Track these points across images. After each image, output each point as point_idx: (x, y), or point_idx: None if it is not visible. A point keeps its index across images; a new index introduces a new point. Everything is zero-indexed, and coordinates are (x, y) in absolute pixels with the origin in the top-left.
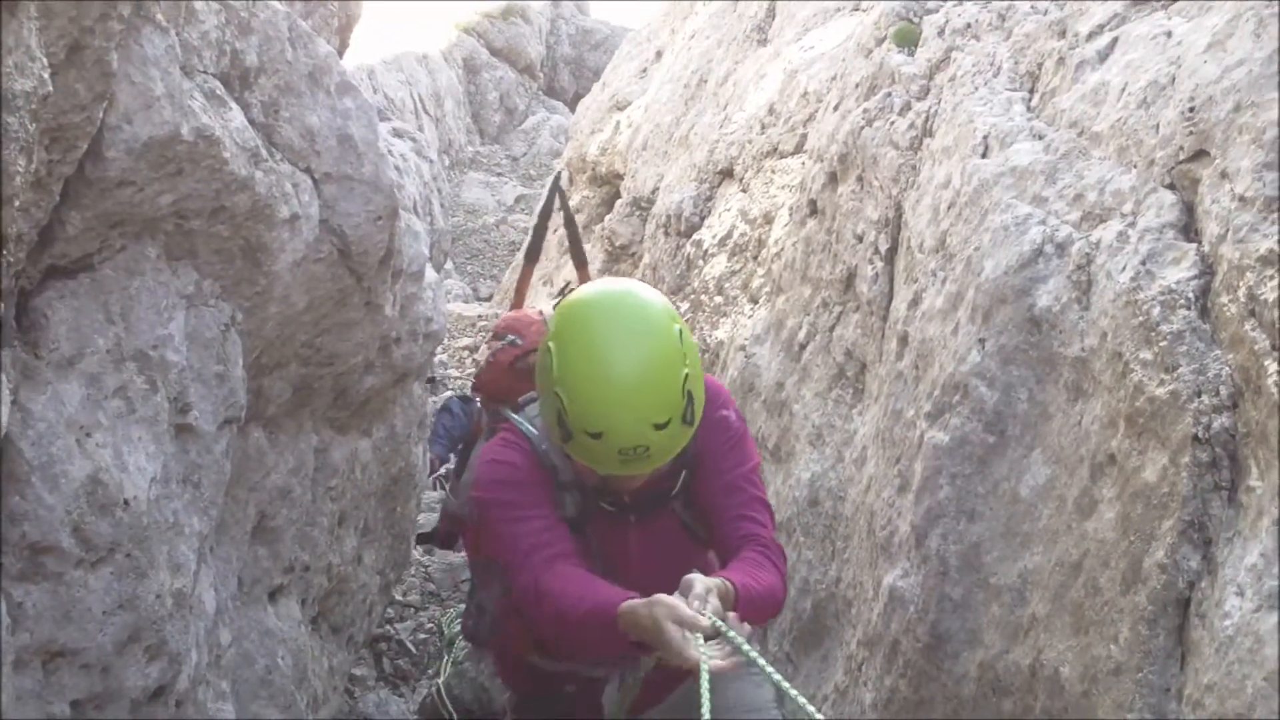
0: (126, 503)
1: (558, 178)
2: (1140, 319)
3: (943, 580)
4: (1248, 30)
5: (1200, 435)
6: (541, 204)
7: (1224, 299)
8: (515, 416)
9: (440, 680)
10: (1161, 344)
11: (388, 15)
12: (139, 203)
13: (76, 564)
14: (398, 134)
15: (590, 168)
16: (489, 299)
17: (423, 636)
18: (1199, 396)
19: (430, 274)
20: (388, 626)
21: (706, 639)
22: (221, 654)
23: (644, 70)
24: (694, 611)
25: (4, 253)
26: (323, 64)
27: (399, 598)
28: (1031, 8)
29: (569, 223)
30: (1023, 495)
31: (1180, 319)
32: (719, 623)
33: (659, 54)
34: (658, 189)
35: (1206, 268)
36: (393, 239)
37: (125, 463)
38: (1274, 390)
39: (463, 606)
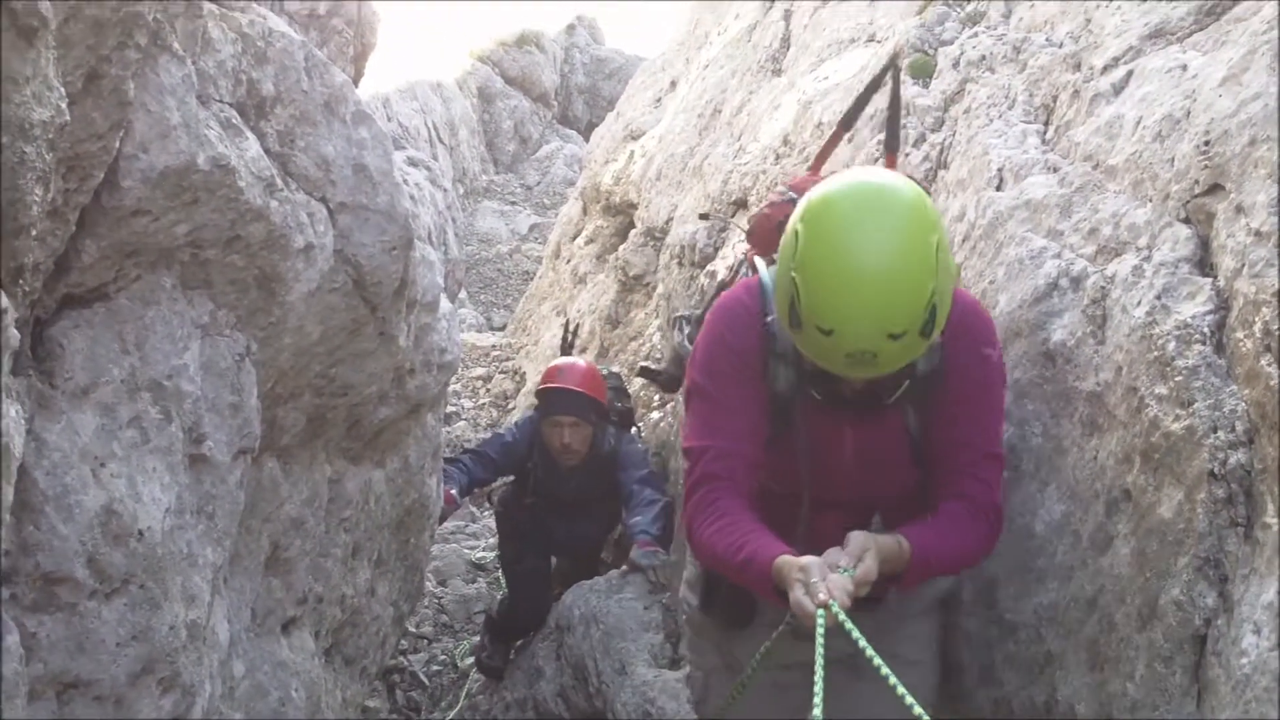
0: (141, 533)
1: (896, 55)
2: (1155, 354)
3: (957, 616)
4: (1263, 64)
5: (1216, 471)
6: (873, 77)
7: (1240, 334)
8: (764, 269)
9: (453, 715)
10: (1177, 379)
11: (403, 43)
12: (154, 232)
13: (90, 595)
14: (412, 163)
15: (604, 197)
16: (503, 328)
17: (436, 668)
18: (1215, 432)
19: (444, 304)
20: (401, 658)
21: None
22: (235, 686)
23: (658, 100)
24: (829, 582)
25: (20, 282)
26: (338, 93)
27: (412, 629)
28: (1046, 40)
29: (894, 104)
30: (1037, 531)
31: (1196, 354)
32: (835, 607)
33: (673, 84)
34: (671, 219)
35: (1222, 302)
36: (407, 269)
37: (139, 493)
38: None
39: (475, 639)
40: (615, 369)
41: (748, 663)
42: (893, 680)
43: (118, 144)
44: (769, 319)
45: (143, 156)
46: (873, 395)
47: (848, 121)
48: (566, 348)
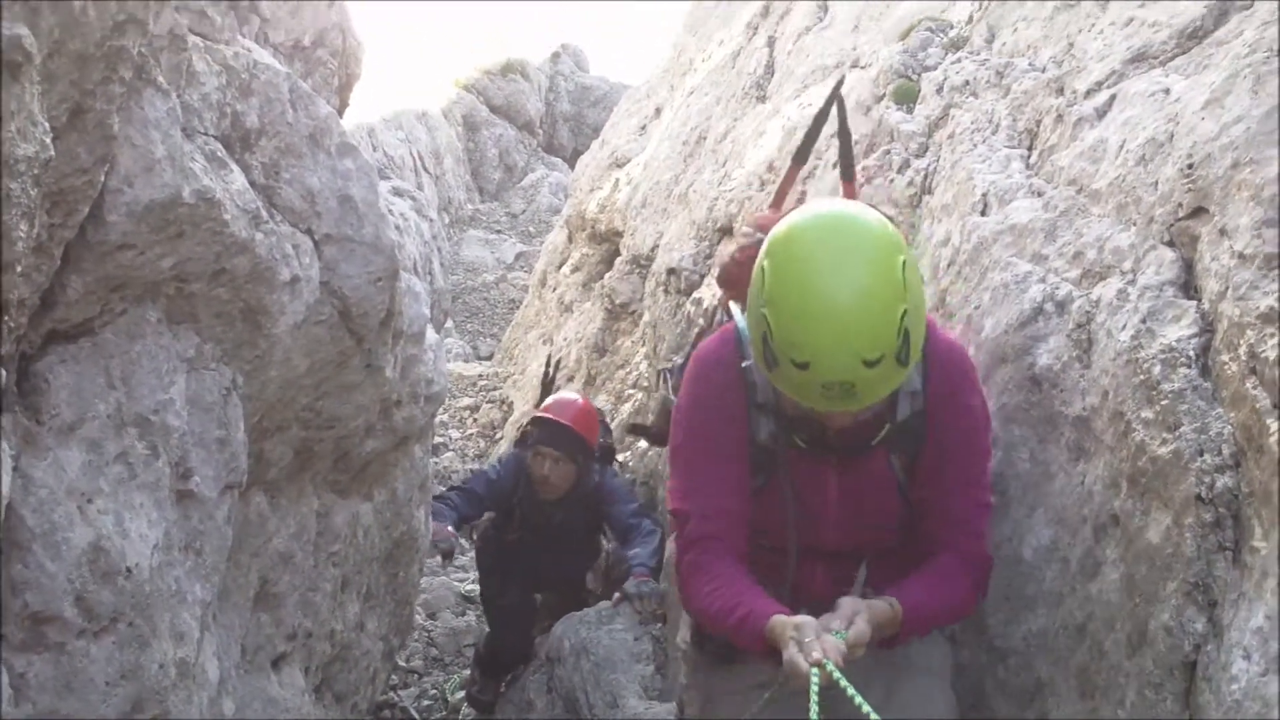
0: (129, 570)
1: (840, 84)
2: (1141, 377)
3: (947, 644)
4: (1245, 87)
5: (1203, 495)
6: (820, 107)
7: (1225, 357)
8: (738, 314)
9: None
10: (1163, 402)
11: (388, 73)
12: (140, 266)
13: (79, 634)
14: (398, 193)
15: (589, 225)
16: (489, 358)
17: (426, 703)
18: (1201, 455)
19: (431, 335)
20: (391, 693)
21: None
22: None
23: (643, 127)
24: (822, 641)
25: (6, 318)
26: (323, 125)
27: (402, 663)
28: (1029, 64)
29: (843, 133)
30: (1025, 557)
31: (1181, 377)
32: (829, 665)
33: (658, 111)
34: (657, 246)
35: (1207, 325)
36: (393, 300)
37: (127, 530)
38: (1276, 449)
39: (466, 673)
40: (596, 405)
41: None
42: None
43: (102, 178)
44: (746, 364)
45: (128, 190)
46: (856, 439)
47: (801, 155)
48: (548, 383)
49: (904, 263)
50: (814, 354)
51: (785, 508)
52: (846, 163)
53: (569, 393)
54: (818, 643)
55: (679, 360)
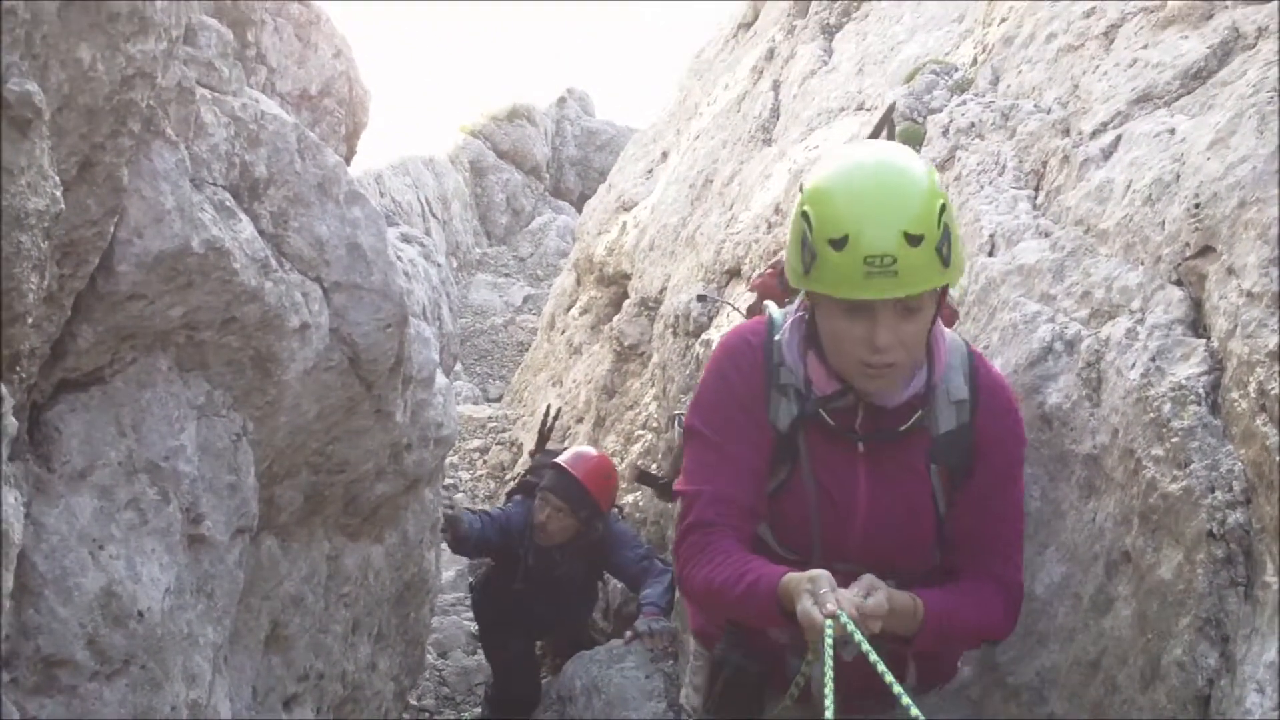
0: (140, 614)
1: (892, 108)
2: (1151, 415)
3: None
4: (1250, 127)
5: (1215, 531)
6: (870, 131)
7: (1234, 394)
8: (773, 307)
9: None
10: (1173, 440)
11: (395, 120)
12: (150, 315)
13: (91, 676)
14: (406, 239)
15: (598, 268)
16: (498, 399)
17: None
18: (1212, 492)
19: (440, 379)
20: None
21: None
22: None
23: (650, 171)
24: (838, 594)
25: (18, 369)
26: (331, 174)
27: (414, 702)
28: (1034, 106)
29: None
30: (1038, 593)
31: (1191, 415)
32: (843, 617)
33: (665, 155)
34: (665, 289)
35: (1216, 363)
36: (402, 346)
37: (139, 574)
38: None
39: (477, 711)
40: (606, 445)
41: None
42: (905, 700)
43: (112, 229)
44: (776, 339)
45: (137, 241)
46: (886, 419)
47: None
48: (546, 432)
49: (936, 179)
50: (855, 224)
51: (808, 501)
52: None
53: (591, 448)
54: (833, 595)
55: None
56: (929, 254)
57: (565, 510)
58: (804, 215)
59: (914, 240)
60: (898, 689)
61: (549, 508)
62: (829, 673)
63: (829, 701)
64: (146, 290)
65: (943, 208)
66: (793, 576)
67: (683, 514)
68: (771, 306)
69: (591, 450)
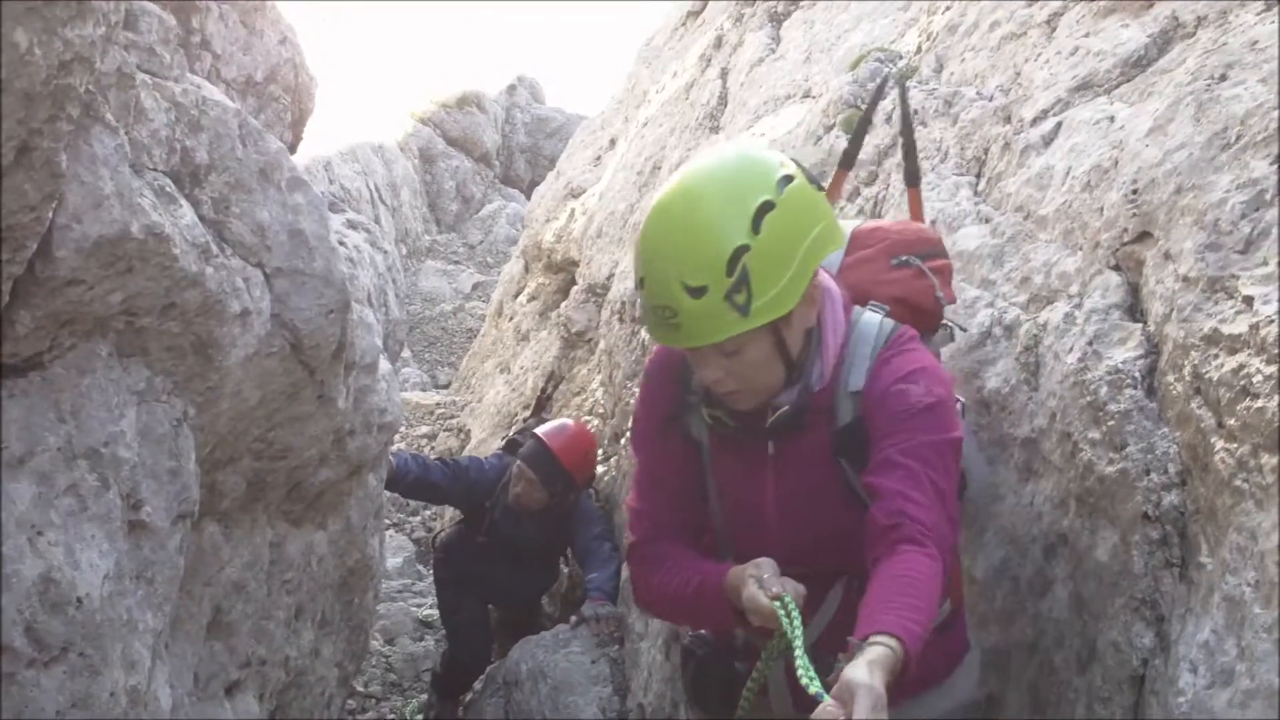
0: (79, 601)
1: (884, 82)
2: (1088, 399)
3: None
4: (1188, 114)
5: (1150, 513)
6: (865, 108)
7: (1170, 378)
8: None
9: None
10: (1110, 423)
11: (343, 107)
12: (89, 301)
13: (29, 664)
14: (352, 225)
15: (546, 255)
16: (447, 386)
17: None
18: (1148, 474)
19: (384, 365)
20: (348, 718)
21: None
22: None
23: (598, 158)
24: (782, 580)
25: None
26: (273, 160)
27: (360, 688)
28: (977, 93)
29: (906, 132)
30: (978, 577)
31: (1127, 398)
32: (788, 598)
33: (613, 142)
34: (613, 275)
35: (1152, 347)
36: (345, 332)
37: (78, 560)
38: (1220, 467)
39: (424, 697)
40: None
41: None
42: (814, 688)
43: (51, 214)
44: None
45: (76, 226)
46: (755, 420)
47: (848, 161)
48: (543, 398)
49: (767, 205)
50: (645, 269)
51: (714, 508)
52: (911, 167)
53: (570, 421)
54: (777, 580)
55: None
56: (716, 304)
57: (537, 483)
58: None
59: (695, 292)
60: (816, 688)
61: (523, 480)
62: (799, 647)
63: (804, 665)
64: (85, 276)
65: (742, 250)
66: (736, 569)
67: (629, 529)
68: None
69: (570, 423)
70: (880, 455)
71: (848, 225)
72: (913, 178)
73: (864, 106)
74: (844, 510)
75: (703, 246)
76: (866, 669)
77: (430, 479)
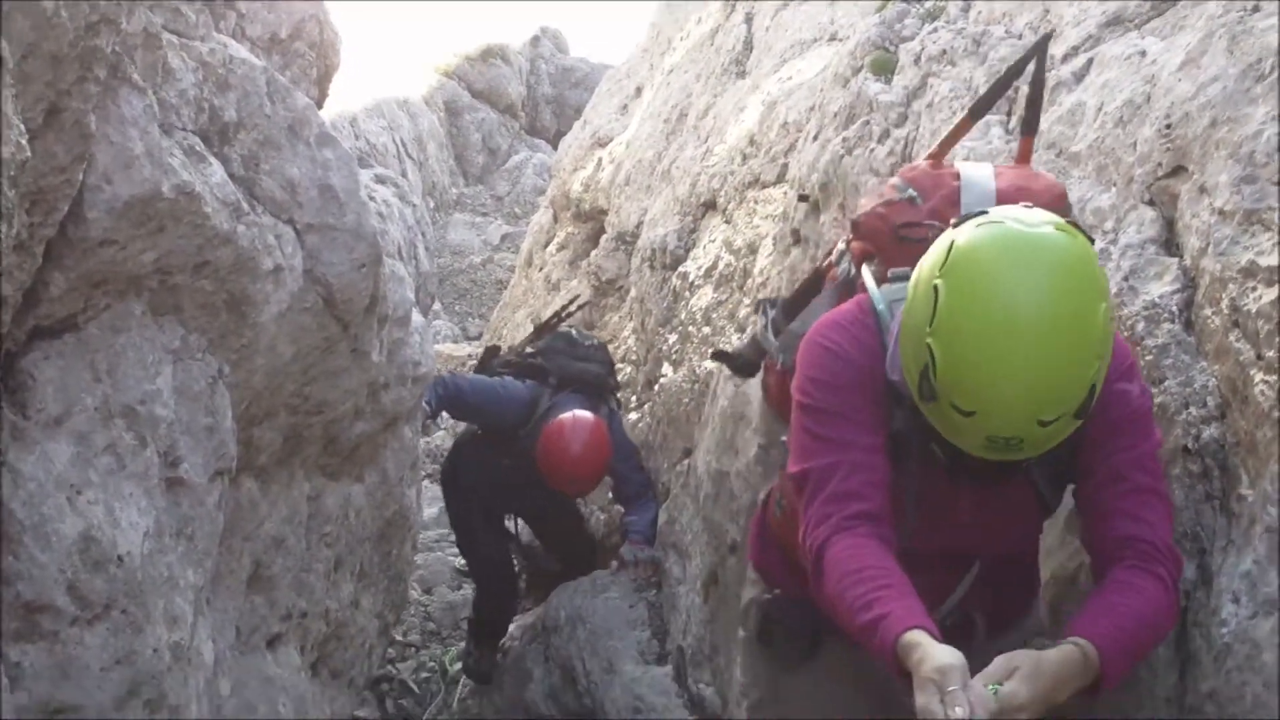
0: (120, 559)
1: (1048, 37)
2: (1126, 334)
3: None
4: (1221, 47)
5: (1190, 446)
6: (1016, 60)
7: (1207, 311)
8: (874, 288)
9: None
10: (1148, 358)
11: (368, 63)
12: (122, 261)
13: (72, 622)
14: (380, 180)
15: (574, 205)
16: (478, 338)
17: (425, 675)
18: (1187, 408)
19: (416, 318)
20: (389, 667)
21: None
22: (222, 704)
23: (624, 106)
24: (969, 693)
25: None
26: (301, 116)
27: (399, 638)
28: (1005, 32)
29: (1036, 84)
30: None
31: (1165, 332)
32: None
33: (639, 90)
34: (642, 223)
35: (1189, 281)
36: (377, 286)
37: (117, 519)
38: (1260, 399)
39: (462, 645)
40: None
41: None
42: None
43: (81, 176)
44: (891, 345)
45: (107, 187)
46: (1005, 467)
47: (979, 110)
48: (561, 314)
49: (1104, 311)
50: (985, 407)
51: (905, 513)
52: (1033, 115)
53: (586, 416)
54: (964, 694)
55: (783, 295)
56: (1065, 423)
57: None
58: (928, 348)
59: (1048, 423)
60: None
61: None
62: None
63: None
64: (117, 236)
65: (1097, 369)
66: (917, 646)
67: (809, 495)
68: (872, 288)
69: (584, 418)
70: (1106, 467)
71: (976, 174)
72: (1030, 126)
73: (890, 47)
74: (1034, 517)
75: (1068, 387)
76: (1018, 656)
77: (464, 399)
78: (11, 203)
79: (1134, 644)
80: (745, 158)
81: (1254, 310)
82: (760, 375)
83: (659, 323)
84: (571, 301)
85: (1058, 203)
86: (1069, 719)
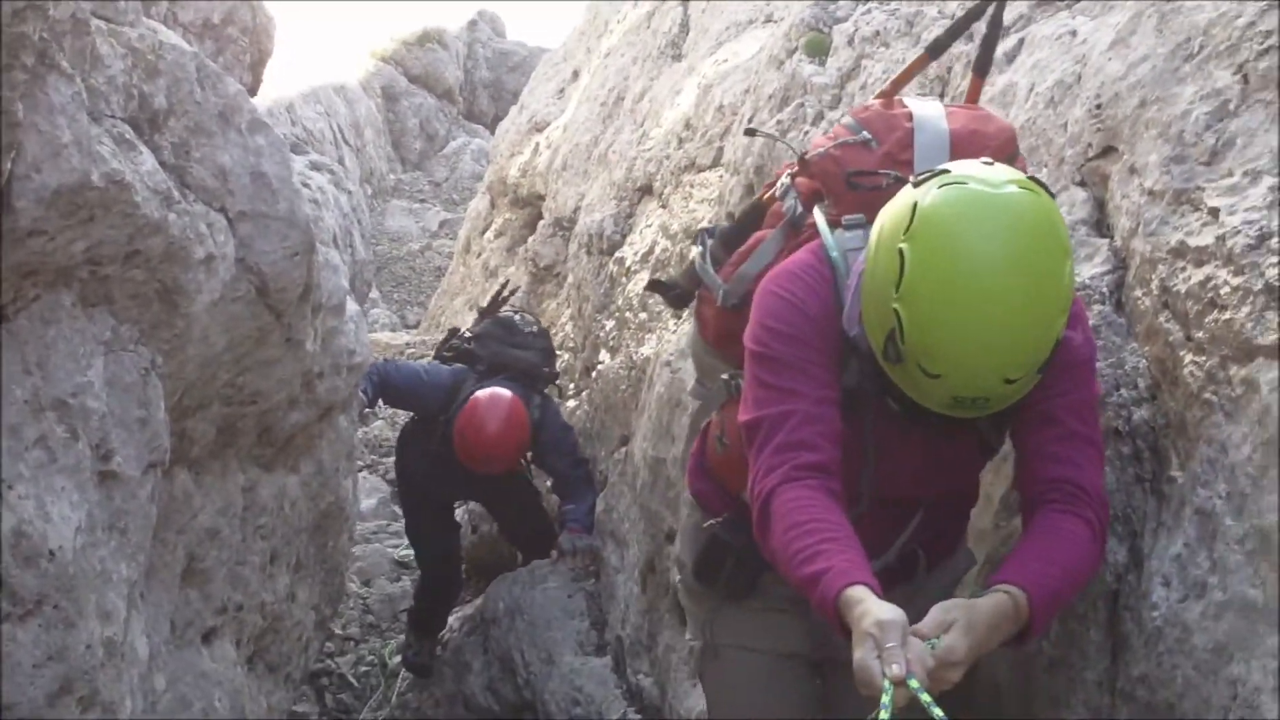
0: (52, 553)
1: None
2: None
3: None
4: (1150, 26)
5: (1121, 428)
6: (973, 5)
7: (1138, 292)
8: (827, 233)
9: (384, 714)
10: None
11: (305, 48)
12: (52, 251)
13: (4, 618)
14: (315, 167)
15: (511, 190)
16: (416, 326)
17: (364, 669)
18: (1118, 390)
19: (351, 306)
20: (327, 661)
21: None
22: (157, 700)
23: (561, 91)
24: (908, 650)
25: None
26: (233, 103)
27: (338, 631)
28: (939, 12)
29: (994, 25)
30: None
31: (1096, 314)
32: (914, 684)
33: (575, 74)
34: (579, 209)
35: (1119, 262)
36: (310, 274)
37: (49, 513)
38: (1190, 380)
39: (402, 638)
40: (544, 327)
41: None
42: None
43: (9, 166)
44: (847, 293)
45: (35, 177)
46: (958, 418)
47: (937, 49)
48: (498, 300)
49: (1069, 267)
50: (954, 369)
51: (858, 461)
52: (985, 57)
53: (504, 392)
54: (902, 651)
55: (720, 225)
56: (1028, 379)
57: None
58: (894, 313)
59: (1014, 380)
60: None
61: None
62: None
63: None
64: (47, 226)
65: (1061, 328)
66: (859, 601)
67: (759, 443)
68: (825, 233)
69: (502, 394)
70: (1040, 409)
71: (928, 113)
72: (982, 66)
73: (824, 28)
74: (974, 454)
75: (1035, 347)
76: (955, 606)
77: (391, 385)
78: None
79: (1062, 590)
80: (681, 141)
81: (1183, 291)
82: (695, 305)
83: (596, 309)
84: (503, 288)
85: (1009, 146)
86: None
